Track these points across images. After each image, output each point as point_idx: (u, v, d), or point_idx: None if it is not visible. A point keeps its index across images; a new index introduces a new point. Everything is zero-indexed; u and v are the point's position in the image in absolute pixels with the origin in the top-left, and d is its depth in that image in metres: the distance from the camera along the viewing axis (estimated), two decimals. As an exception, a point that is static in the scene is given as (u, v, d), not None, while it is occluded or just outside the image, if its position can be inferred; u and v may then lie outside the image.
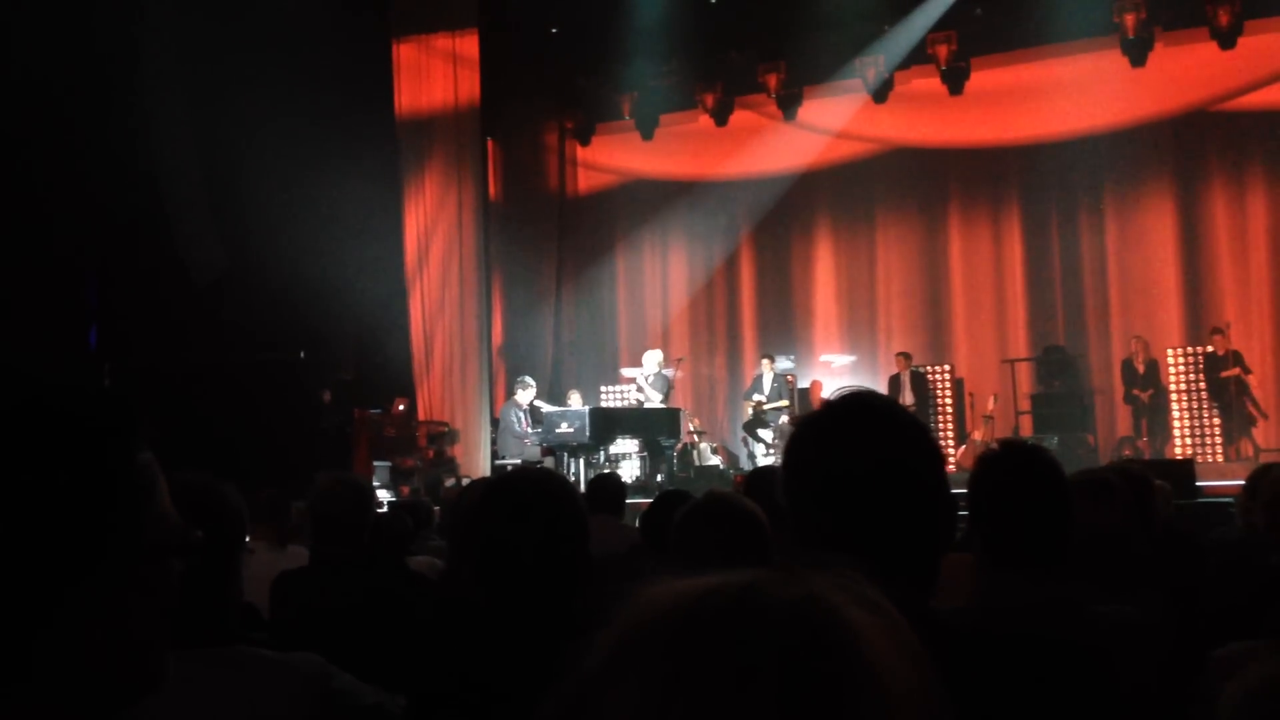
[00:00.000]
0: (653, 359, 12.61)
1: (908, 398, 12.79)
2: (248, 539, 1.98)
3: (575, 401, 12.55)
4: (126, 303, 11.34)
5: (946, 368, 13.85)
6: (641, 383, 12.51)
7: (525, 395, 11.85)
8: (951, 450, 13.04)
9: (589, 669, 0.64)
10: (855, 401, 1.41)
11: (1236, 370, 11.77)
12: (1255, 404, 12.12)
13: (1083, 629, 1.93)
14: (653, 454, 12.00)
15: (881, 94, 14.25)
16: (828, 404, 1.42)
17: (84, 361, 11.23)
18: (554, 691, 0.65)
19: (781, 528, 3.14)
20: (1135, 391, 12.45)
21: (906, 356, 13.27)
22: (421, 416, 13.18)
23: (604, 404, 13.86)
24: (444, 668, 1.84)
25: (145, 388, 10.62)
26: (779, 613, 0.62)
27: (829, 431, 1.39)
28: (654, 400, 12.32)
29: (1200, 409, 12.28)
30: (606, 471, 10.22)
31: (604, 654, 0.64)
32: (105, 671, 0.87)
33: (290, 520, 4.81)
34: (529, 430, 11.68)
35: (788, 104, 14.68)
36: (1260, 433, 12.10)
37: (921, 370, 13.46)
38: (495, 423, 12.74)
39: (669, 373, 12.88)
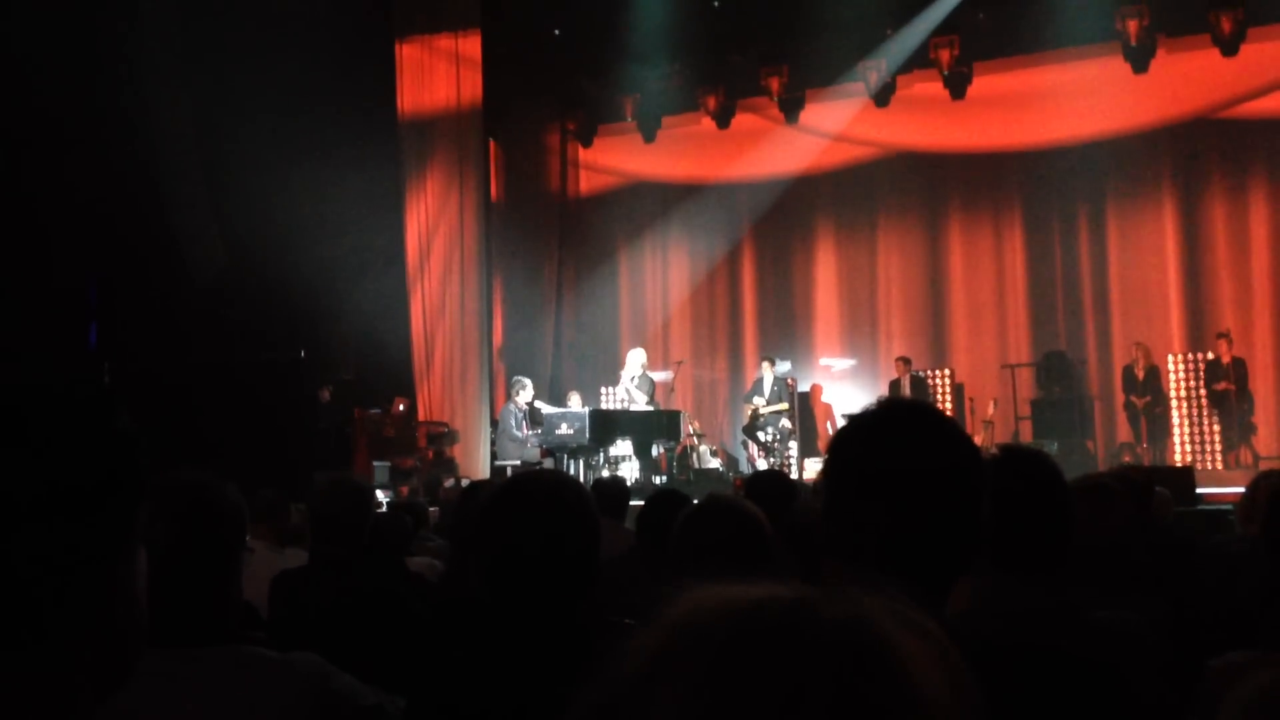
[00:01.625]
0: (636, 359, 12.39)
1: (907, 402, 12.76)
2: (247, 538, 1.98)
3: (575, 403, 12.52)
4: (126, 302, 11.34)
5: (947, 372, 13.85)
6: (627, 383, 12.40)
7: (523, 396, 11.83)
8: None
9: (625, 673, 0.62)
10: (909, 404, 1.46)
11: (1232, 386, 11.77)
12: (1254, 411, 12.13)
13: (1082, 635, 1.92)
14: (642, 457, 11.91)
15: (883, 98, 14.26)
16: (883, 402, 1.44)
17: (84, 360, 11.23)
18: (585, 694, 0.64)
19: (781, 531, 3.13)
20: (1134, 398, 12.45)
21: (906, 361, 13.27)
22: (421, 417, 13.18)
23: (604, 406, 13.84)
24: (445, 669, 1.84)
25: (145, 387, 10.61)
26: (829, 632, 0.61)
27: (881, 427, 1.40)
28: (639, 402, 12.19)
29: (1200, 416, 12.28)
30: (610, 475, 10.20)
31: (644, 659, 0.62)
32: (91, 657, 0.88)
33: (289, 520, 4.81)
34: (527, 433, 11.67)
35: (790, 107, 14.68)
36: (1260, 440, 12.10)
37: (921, 375, 13.45)
38: (494, 424, 12.72)
39: (657, 375, 12.83)
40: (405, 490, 11.40)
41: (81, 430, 0.88)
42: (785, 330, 15.05)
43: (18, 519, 0.83)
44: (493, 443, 12.64)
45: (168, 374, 10.93)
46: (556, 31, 14.38)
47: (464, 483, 10.69)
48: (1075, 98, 13.13)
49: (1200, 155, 13.19)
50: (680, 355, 14.74)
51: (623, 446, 12.10)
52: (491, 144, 14.60)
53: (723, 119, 15.10)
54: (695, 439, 13.44)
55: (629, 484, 10.83)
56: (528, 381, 11.96)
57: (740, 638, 0.61)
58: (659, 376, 12.94)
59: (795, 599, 0.64)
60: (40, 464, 0.85)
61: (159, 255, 11.33)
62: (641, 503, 4.27)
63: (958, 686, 0.63)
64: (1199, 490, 8.73)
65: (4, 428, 0.85)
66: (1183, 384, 12.42)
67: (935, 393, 13.57)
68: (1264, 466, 11.18)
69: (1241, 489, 4.52)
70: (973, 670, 0.66)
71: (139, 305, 11.22)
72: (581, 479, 10.57)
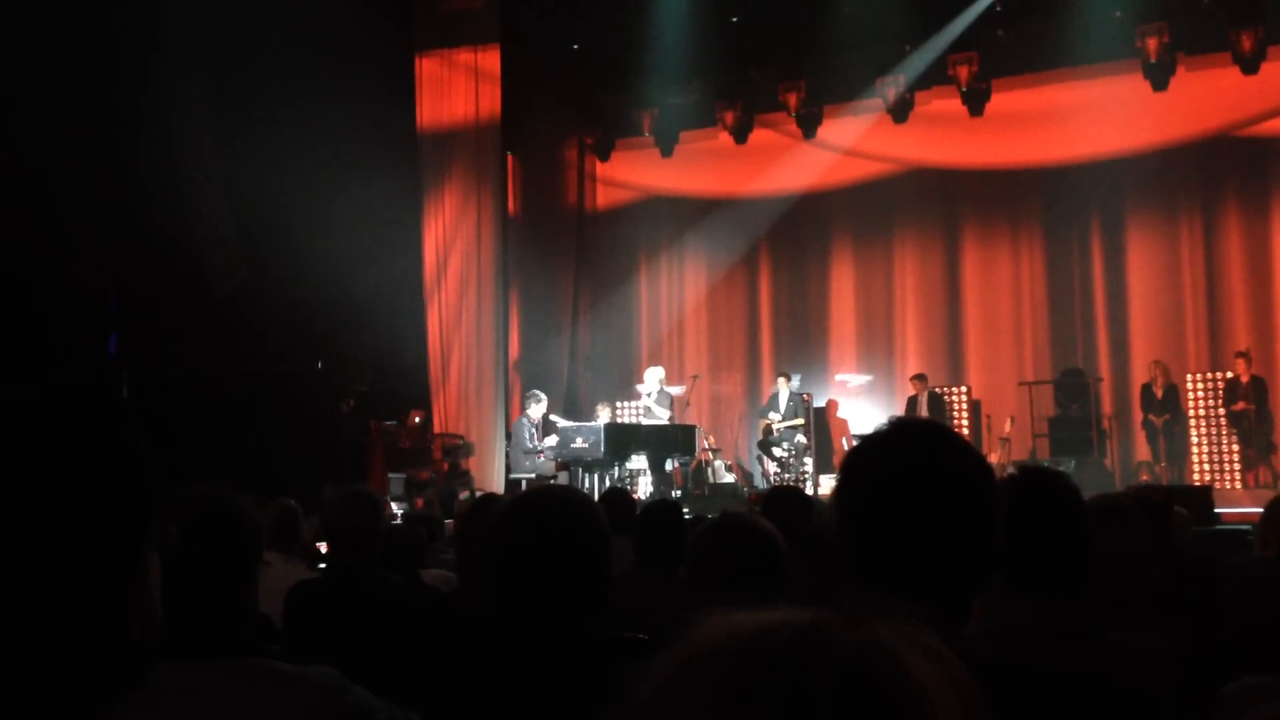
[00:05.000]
0: (654, 376, 12.53)
1: (924, 419, 12.72)
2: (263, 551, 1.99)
3: (605, 416, 12.56)
4: (146, 311, 11.40)
5: (963, 389, 13.81)
6: (648, 400, 12.46)
7: (536, 410, 11.84)
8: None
9: (641, 696, 0.63)
10: (922, 423, 1.46)
11: (1251, 405, 11.71)
12: (1274, 430, 12.05)
13: (1098, 657, 1.91)
14: (657, 471, 11.91)
15: (901, 114, 14.25)
16: (895, 421, 1.43)
17: (103, 369, 11.28)
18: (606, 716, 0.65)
19: (799, 547, 3.12)
20: (1152, 417, 12.38)
21: (922, 379, 13.23)
22: (437, 429, 13.20)
23: (620, 420, 13.83)
24: (459, 683, 1.84)
25: (164, 397, 10.66)
26: (842, 657, 0.61)
27: (893, 446, 1.40)
28: (661, 417, 12.26)
29: (1219, 435, 12.21)
30: (615, 487, 10.19)
31: (658, 682, 0.63)
32: (105, 669, 0.88)
33: (305, 532, 4.82)
34: (540, 445, 11.67)
35: (808, 123, 14.68)
36: (1280, 460, 12.03)
37: (938, 392, 13.41)
38: (509, 436, 12.74)
39: (674, 389, 12.85)
40: (420, 502, 11.40)
41: (86, 451, 0.87)
42: (801, 346, 15.03)
43: (22, 544, 0.82)
44: (507, 455, 12.65)
45: (187, 384, 10.97)
46: (575, 46, 14.44)
47: (478, 495, 10.69)
48: (1094, 115, 13.10)
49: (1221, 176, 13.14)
50: (696, 370, 14.74)
51: (638, 461, 12.10)
52: (510, 158, 14.64)
53: (740, 134, 15.11)
54: (710, 454, 13.43)
55: (643, 498, 10.90)
56: (542, 395, 11.97)
57: (752, 661, 0.61)
58: (674, 391, 12.96)
59: (809, 623, 0.64)
60: (43, 487, 0.84)
61: (179, 265, 11.38)
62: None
63: (971, 713, 0.63)
64: (1217, 510, 8.67)
65: (6, 450, 0.84)
66: (1201, 403, 12.36)
67: (952, 410, 13.52)
68: (1283, 487, 11.11)
69: (1260, 509, 4.48)
70: (987, 694, 0.66)
71: (159, 315, 11.27)
72: (596, 493, 10.56)
